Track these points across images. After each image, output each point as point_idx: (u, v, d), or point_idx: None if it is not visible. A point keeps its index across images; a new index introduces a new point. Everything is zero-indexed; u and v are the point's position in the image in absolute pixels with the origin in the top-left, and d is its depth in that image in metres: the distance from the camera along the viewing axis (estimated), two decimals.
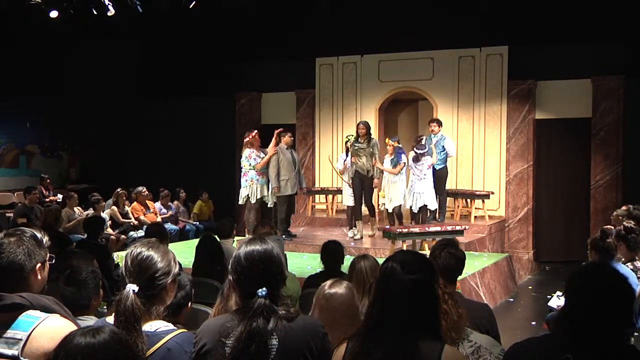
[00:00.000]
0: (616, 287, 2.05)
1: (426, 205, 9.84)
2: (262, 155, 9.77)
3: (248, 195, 9.77)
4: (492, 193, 10.98)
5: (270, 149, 9.68)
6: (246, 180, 9.79)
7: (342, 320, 2.89)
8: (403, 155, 9.83)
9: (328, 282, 3.11)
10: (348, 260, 4.60)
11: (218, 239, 6.04)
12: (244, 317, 2.30)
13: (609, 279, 2.07)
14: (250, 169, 9.75)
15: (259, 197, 9.78)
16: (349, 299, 3.02)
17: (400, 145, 9.95)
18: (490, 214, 10.99)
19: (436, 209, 10.19)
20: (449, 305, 2.90)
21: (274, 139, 9.69)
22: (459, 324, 2.90)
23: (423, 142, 10.08)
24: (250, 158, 9.72)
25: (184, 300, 3.18)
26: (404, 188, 9.89)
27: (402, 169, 9.77)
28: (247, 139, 9.91)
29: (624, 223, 5.66)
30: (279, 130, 9.83)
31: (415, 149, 9.91)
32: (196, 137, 14.13)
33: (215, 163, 13.62)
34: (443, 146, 10.36)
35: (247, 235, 9.46)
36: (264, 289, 2.33)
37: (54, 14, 10.82)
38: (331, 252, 5.32)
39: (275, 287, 2.38)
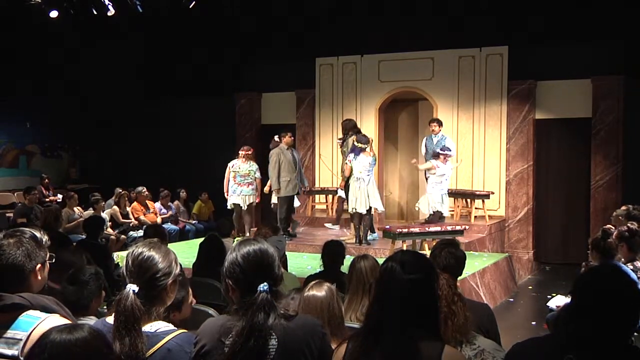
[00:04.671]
0: (625, 289, 2.05)
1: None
2: None
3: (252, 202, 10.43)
4: (492, 193, 10.97)
5: None
6: (253, 188, 10.40)
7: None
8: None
9: (310, 284, 3.24)
10: (348, 260, 4.60)
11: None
12: (246, 313, 2.30)
13: (618, 281, 2.07)
14: (254, 179, 10.44)
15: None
16: (326, 301, 3.13)
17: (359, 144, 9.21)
18: (490, 214, 10.98)
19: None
20: (458, 307, 2.90)
21: None
22: (465, 326, 2.90)
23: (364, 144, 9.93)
24: (258, 171, 10.48)
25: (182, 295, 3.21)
26: (357, 190, 9.09)
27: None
28: (250, 152, 10.54)
29: (629, 224, 5.66)
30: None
31: (441, 150, 9.91)
32: (196, 137, 14.13)
33: (215, 163, 13.61)
34: (444, 146, 10.35)
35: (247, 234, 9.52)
36: (265, 284, 2.33)
37: (54, 14, 10.83)
38: (331, 252, 5.31)
39: (274, 283, 2.39)
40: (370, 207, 9.17)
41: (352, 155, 9.23)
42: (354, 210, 9.16)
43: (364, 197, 9.01)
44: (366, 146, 9.16)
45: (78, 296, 3.28)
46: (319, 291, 3.18)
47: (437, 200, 9.80)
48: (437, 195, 9.82)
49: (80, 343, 1.88)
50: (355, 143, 9.21)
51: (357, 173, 9.10)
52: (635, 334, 4.61)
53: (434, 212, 9.81)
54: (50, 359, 1.86)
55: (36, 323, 2.23)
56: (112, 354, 2.06)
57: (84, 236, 8.03)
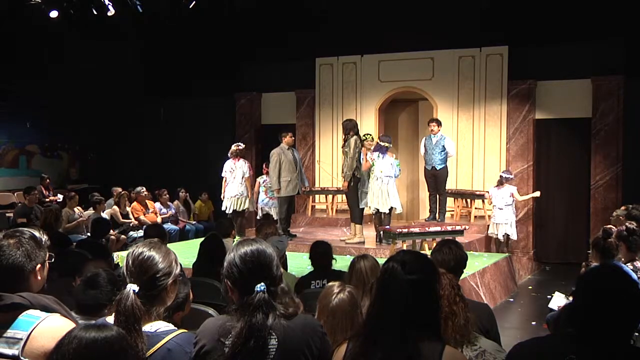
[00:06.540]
0: (625, 289, 2.05)
1: (508, 235, 10.09)
2: None
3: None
4: None
5: None
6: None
7: (344, 324, 2.96)
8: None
9: (334, 290, 3.10)
10: (347, 260, 4.59)
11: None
12: (243, 313, 2.30)
13: (619, 281, 2.07)
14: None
15: None
16: (350, 304, 3.05)
17: (383, 143, 9.33)
18: (490, 214, 10.97)
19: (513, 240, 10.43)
20: (459, 307, 2.89)
21: None
22: (466, 327, 2.88)
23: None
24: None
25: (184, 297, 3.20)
26: (378, 190, 9.20)
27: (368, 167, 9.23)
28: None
29: (626, 224, 5.65)
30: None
31: (502, 173, 10.03)
32: (196, 137, 14.13)
33: (215, 163, 13.61)
34: (443, 146, 10.36)
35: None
36: (262, 284, 2.33)
37: (54, 14, 10.83)
38: (321, 253, 5.27)
39: (272, 283, 2.39)
40: (392, 207, 9.26)
41: (376, 154, 9.29)
42: (375, 210, 9.24)
43: (384, 196, 9.13)
44: (390, 145, 9.34)
45: (96, 302, 3.29)
46: (343, 295, 3.07)
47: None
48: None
49: (109, 342, 1.89)
50: (380, 142, 9.34)
51: (377, 172, 9.16)
52: (636, 333, 4.61)
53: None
54: (75, 353, 1.85)
55: (36, 322, 2.23)
56: (135, 356, 2.06)
57: (84, 236, 8.02)
